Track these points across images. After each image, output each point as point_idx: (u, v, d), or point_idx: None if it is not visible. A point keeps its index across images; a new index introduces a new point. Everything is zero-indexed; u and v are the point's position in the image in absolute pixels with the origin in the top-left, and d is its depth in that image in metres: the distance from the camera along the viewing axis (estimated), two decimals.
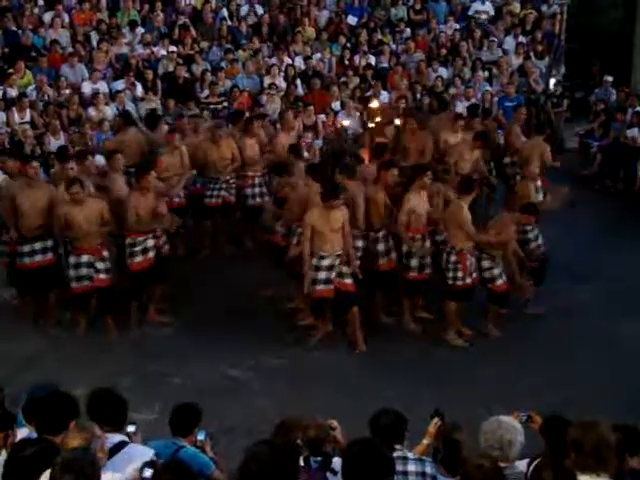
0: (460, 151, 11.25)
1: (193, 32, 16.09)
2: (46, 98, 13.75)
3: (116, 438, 4.54)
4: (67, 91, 13.91)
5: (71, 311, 9.73)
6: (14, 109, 13.11)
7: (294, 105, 14.04)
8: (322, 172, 9.83)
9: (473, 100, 14.56)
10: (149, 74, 14.59)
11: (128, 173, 10.38)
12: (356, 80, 15.44)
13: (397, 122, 12.10)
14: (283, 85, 15.00)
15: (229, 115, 13.47)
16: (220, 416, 7.25)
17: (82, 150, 10.75)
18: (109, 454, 4.37)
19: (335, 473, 4.59)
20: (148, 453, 4.52)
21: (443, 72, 15.78)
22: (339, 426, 5.11)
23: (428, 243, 9.63)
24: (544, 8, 17.93)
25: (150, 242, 9.50)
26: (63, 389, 4.81)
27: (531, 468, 4.55)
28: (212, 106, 14.12)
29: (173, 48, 15.54)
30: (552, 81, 15.82)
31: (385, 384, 8.28)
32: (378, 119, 11.56)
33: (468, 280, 9.27)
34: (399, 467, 4.56)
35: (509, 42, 16.81)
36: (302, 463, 4.60)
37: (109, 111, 13.52)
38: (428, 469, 4.79)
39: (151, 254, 9.52)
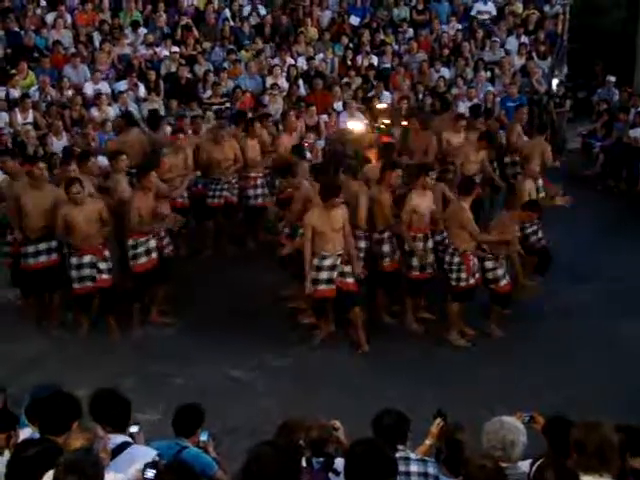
0: (466, 152, 11.26)
1: (196, 33, 16.10)
2: (49, 99, 13.77)
3: (119, 439, 4.54)
4: (70, 92, 13.93)
5: (73, 312, 9.73)
6: (17, 110, 13.13)
7: (296, 105, 14.05)
8: (326, 172, 9.83)
9: (475, 100, 14.55)
10: (152, 75, 14.60)
11: (130, 174, 10.38)
12: (358, 80, 15.45)
13: (404, 123, 12.09)
14: (285, 85, 15.00)
15: (232, 116, 13.48)
16: (223, 417, 7.26)
17: (84, 152, 10.74)
18: (112, 455, 4.37)
19: (338, 474, 4.59)
20: (151, 454, 4.52)
21: (445, 72, 15.79)
22: (342, 426, 5.12)
23: (430, 243, 9.64)
24: (546, 8, 17.93)
25: (152, 243, 9.50)
26: (66, 390, 4.81)
27: (534, 468, 4.55)
28: (215, 107, 14.12)
29: (176, 49, 15.56)
30: (555, 81, 15.81)
31: (387, 384, 8.29)
32: (386, 120, 11.55)
33: (471, 281, 9.28)
34: (401, 467, 4.56)
35: (511, 42, 16.80)
36: (304, 464, 4.60)
37: (112, 112, 13.53)
38: (430, 469, 4.79)
39: (154, 255, 9.52)
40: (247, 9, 17.26)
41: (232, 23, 16.66)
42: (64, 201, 9.14)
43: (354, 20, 17.26)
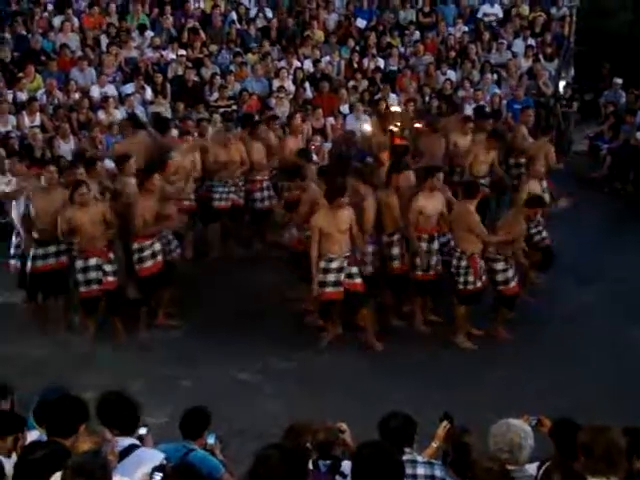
0: (475, 153, 11.27)
1: (202, 35, 16.14)
2: (56, 102, 13.80)
3: (126, 441, 4.54)
4: (77, 95, 13.96)
5: (80, 315, 9.75)
6: (24, 113, 13.18)
7: (303, 108, 14.07)
8: (331, 174, 9.82)
9: (482, 103, 14.55)
10: (158, 77, 14.63)
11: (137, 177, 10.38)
12: (365, 83, 15.46)
13: (417, 125, 12.05)
14: (292, 88, 15.02)
15: (238, 118, 13.50)
16: (230, 419, 7.25)
17: (91, 158, 10.71)
18: (119, 457, 4.37)
19: (344, 476, 4.59)
20: (158, 457, 4.52)
21: (452, 75, 15.78)
22: (348, 429, 5.12)
23: (436, 244, 9.62)
24: (553, 10, 17.94)
25: (157, 246, 9.50)
26: (72, 393, 4.82)
27: (541, 472, 4.55)
28: (221, 109, 14.14)
29: (182, 52, 15.61)
30: (562, 84, 15.78)
31: (394, 387, 8.28)
32: (398, 123, 11.52)
33: (479, 284, 9.27)
34: (408, 470, 4.56)
35: (518, 45, 16.80)
36: (311, 466, 4.61)
37: (119, 115, 13.54)
38: (437, 472, 4.80)
39: (159, 258, 9.53)
40: (253, 12, 17.29)
41: (238, 26, 16.70)
42: (68, 204, 9.16)
43: (360, 23, 17.27)
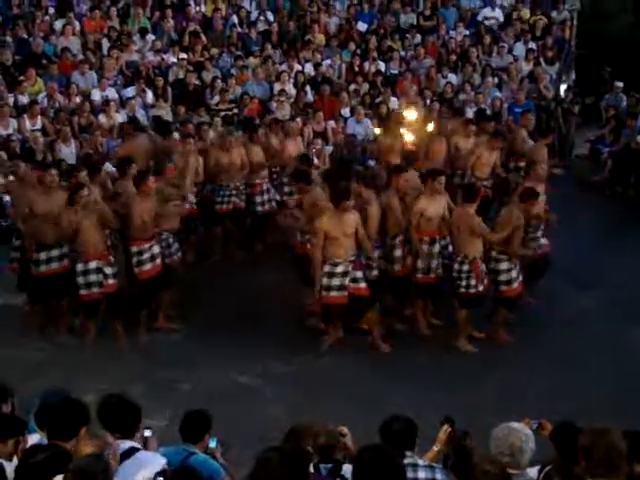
0: (478, 154, 11.28)
1: (203, 39, 16.14)
2: (57, 105, 13.82)
3: (126, 444, 4.54)
4: (78, 98, 13.98)
5: (80, 318, 9.74)
6: (25, 116, 13.22)
7: (303, 112, 14.08)
8: (337, 178, 9.78)
9: (483, 106, 14.56)
10: (159, 81, 14.65)
11: None
12: (366, 86, 15.47)
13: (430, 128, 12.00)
14: (293, 92, 15.02)
15: (239, 122, 13.51)
16: (230, 422, 7.23)
17: (94, 164, 10.68)
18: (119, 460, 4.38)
19: None
20: (158, 460, 4.52)
21: (453, 78, 15.79)
22: (349, 432, 5.11)
23: (437, 247, 9.61)
24: (554, 14, 17.93)
25: (156, 248, 9.51)
26: (73, 396, 4.82)
27: (542, 475, 4.54)
28: (222, 113, 14.15)
29: (183, 55, 15.62)
30: (562, 87, 15.77)
31: (395, 390, 8.28)
32: (411, 127, 11.49)
33: (480, 287, 9.26)
34: (409, 474, 4.55)
35: (519, 48, 16.79)
36: (312, 470, 4.60)
37: (120, 118, 13.57)
38: (438, 476, 4.78)
39: (159, 261, 9.53)
40: (254, 15, 17.30)
41: (239, 29, 16.71)
42: (68, 206, 9.16)
43: (361, 26, 17.27)
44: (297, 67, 15.76)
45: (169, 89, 14.72)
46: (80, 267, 9.21)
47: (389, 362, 9.07)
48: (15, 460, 4.49)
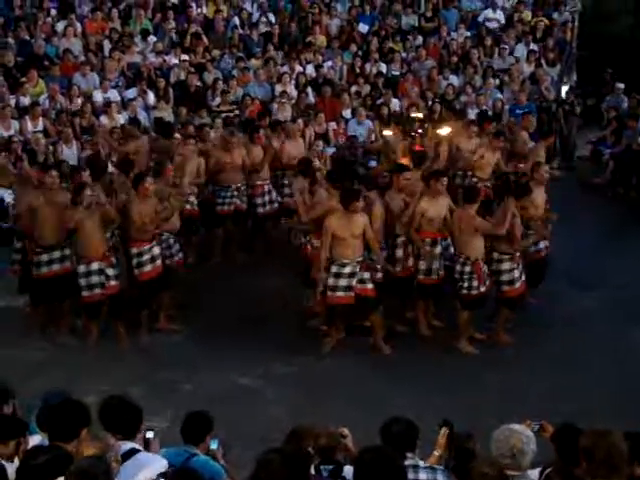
0: (480, 154, 11.28)
1: (205, 41, 16.14)
2: (59, 107, 13.82)
3: (127, 446, 4.54)
4: (79, 100, 13.99)
5: (82, 319, 9.75)
6: (27, 118, 13.22)
7: (305, 113, 14.09)
8: (342, 179, 9.77)
9: (484, 108, 14.56)
10: (161, 82, 14.66)
11: None
12: (367, 88, 15.47)
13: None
14: (294, 93, 15.02)
15: (240, 123, 13.52)
16: (231, 424, 7.22)
17: (99, 169, 10.66)
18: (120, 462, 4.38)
19: None
20: (159, 461, 4.52)
21: (454, 80, 15.79)
22: (350, 434, 5.11)
23: (439, 249, 9.61)
24: (555, 16, 17.92)
25: (156, 250, 9.51)
26: (74, 397, 4.82)
27: (543, 477, 4.54)
28: (224, 114, 14.16)
29: (185, 57, 15.62)
30: (564, 88, 15.79)
31: (396, 392, 8.27)
32: (420, 130, 11.47)
33: (482, 289, 9.26)
34: (410, 475, 4.55)
35: (520, 50, 16.79)
36: (313, 471, 4.61)
37: (121, 120, 13.57)
38: (439, 477, 4.78)
39: (159, 262, 9.52)
40: (256, 17, 17.31)
41: (241, 31, 16.71)
42: (71, 206, 9.16)
43: (363, 28, 17.26)
44: (298, 69, 15.75)
45: (170, 90, 14.73)
46: (82, 269, 9.20)
47: (390, 364, 9.06)
48: (16, 461, 4.50)
